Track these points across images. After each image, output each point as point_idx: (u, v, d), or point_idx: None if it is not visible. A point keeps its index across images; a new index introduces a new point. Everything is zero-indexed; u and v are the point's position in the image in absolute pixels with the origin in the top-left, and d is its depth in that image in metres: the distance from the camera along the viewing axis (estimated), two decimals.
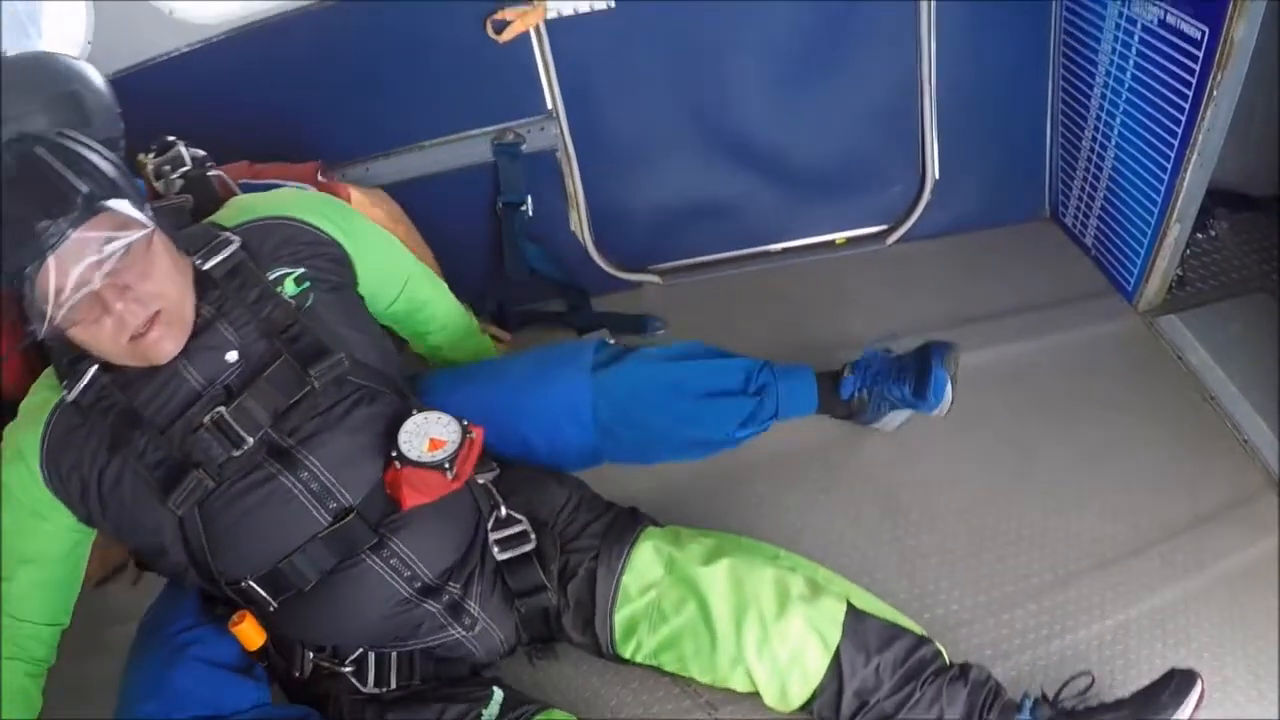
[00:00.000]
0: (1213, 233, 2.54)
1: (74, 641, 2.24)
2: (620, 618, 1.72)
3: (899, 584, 1.93)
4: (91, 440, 1.59)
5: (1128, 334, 2.42)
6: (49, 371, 1.68)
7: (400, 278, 1.97)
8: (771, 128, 2.74)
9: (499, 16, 2.45)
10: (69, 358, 1.60)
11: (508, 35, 2.47)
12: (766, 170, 2.80)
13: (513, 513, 1.77)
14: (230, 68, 2.46)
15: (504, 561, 1.75)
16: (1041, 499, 2.05)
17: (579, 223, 2.81)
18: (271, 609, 1.65)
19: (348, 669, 1.74)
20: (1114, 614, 1.83)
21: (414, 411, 1.68)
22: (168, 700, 1.63)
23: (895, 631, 1.65)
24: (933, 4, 2.50)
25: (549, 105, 2.64)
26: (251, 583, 1.63)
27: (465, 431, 1.65)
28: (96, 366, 1.58)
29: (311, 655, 1.74)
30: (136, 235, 1.46)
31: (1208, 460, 2.06)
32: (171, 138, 2.06)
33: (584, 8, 2.49)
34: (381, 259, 1.90)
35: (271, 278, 1.65)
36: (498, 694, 1.72)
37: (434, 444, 1.63)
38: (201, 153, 2.05)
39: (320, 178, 2.19)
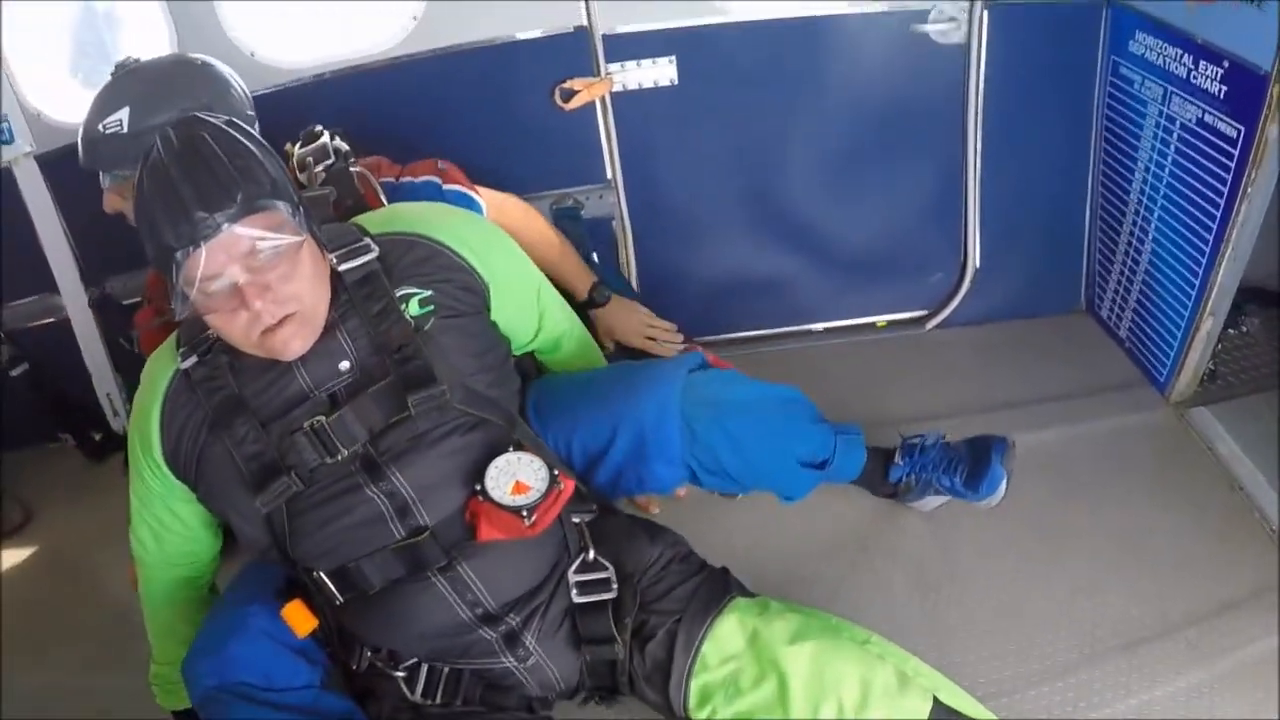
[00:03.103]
0: (1244, 328, 2.58)
1: (97, 656, 2.32)
2: (696, 685, 1.67)
3: (927, 656, 1.86)
4: (197, 413, 1.64)
5: (1159, 424, 2.45)
6: (173, 338, 1.72)
7: (538, 311, 1.93)
8: (820, 211, 2.84)
9: (567, 86, 2.58)
10: (194, 329, 1.65)
11: (574, 104, 2.59)
12: (813, 252, 2.88)
13: (600, 558, 1.75)
14: (304, 113, 2.55)
15: (579, 605, 1.74)
16: (1070, 580, 2.05)
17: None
18: (338, 602, 1.68)
19: (400, 674, 1.76)
20: (1139, 694, 1.82)
21: (510, 447, 1.66)
22: (223, 663, 1.65)
23: None
24: (979, 101, 2.59)
25: (609, 175, 2.75)
26: (322, 575, 1.66)
27: (554, 481, 1.61)
28: (215, 343, 1.63)
29: (369, 654, 1.76)
30: (288, 240, 1.48)
31: (1235, 548, 2.07)
32: (319, 127, 2.11)
33: (648, 83, 2.61)
34: (522, 293, 1.88)
35: (398, 294, 1.65)
36: None
37: (519, 487, 1.60)
38: (345, 146, 2.09)
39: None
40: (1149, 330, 2.55)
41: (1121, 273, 2.65)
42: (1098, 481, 2.29)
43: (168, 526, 1.78)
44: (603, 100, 2.64)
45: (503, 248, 1.85)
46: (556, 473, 1.62)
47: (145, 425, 1.68)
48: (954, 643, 1.97)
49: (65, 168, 2.59)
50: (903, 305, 2.96)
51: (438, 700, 1.76)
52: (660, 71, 2.61)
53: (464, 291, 1.72)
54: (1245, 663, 1.86)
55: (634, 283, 2.89)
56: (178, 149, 1.45)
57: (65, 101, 2.63)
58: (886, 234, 2.86)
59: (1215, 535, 2.11)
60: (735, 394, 1.88)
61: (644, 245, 2.86)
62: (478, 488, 1.60)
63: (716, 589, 1.75)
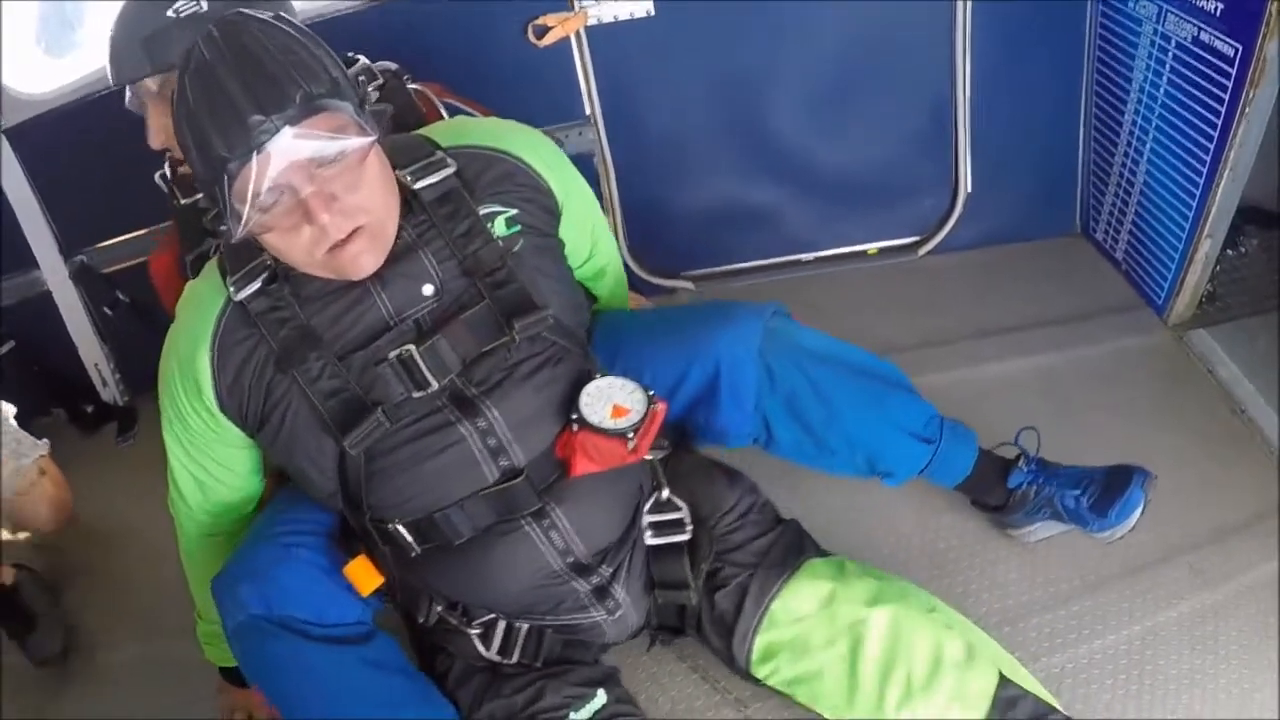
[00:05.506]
0: (1243, 249, 2.54)
1: (103, 631, 2.31)
2: (761, 641, 1.64)
3: (930, 586, 1.89)
4: (260, 350, 1.49)
5: (1157, 347, 2.44)
6: (210, 267, 1.56)
7: (592, 237, 1.81)
8: (807, 138, 2.78)
9: (540, 22, 2.51)
10: (242, 255, 1.48)
11: (548, 40, 2.53)
12: (801, 180, 2.83)
13: (675, 498, 1.68)
14: None
15: (652, 548, 1.67)
16: None
17: (613, 228, 2.84)
18: (413, 554, 1.58)
19: (474, 631, 1.66)
20: (1142, 620, 1.84)
21: (596, 374, 1.56)
22: (270, 589, 1.54)
23: (1043, 711, 1.53)
24: (968, 21, 2.53)
25: (587, 111, 2.69)
26: (400, 526, 1.55)
27: (650, 402, 1.52)
28: (272, 270, 1.48)
29: (439, 609, 1.65)
30: (355, 142, 1.32)
31: (1236, 472, 2.07)
32: (351, 54, 1.92)
33: (624, 14, 2.54)
34: (584, 216, 1.74)
35: (482, 213, 1.51)
36: (599, 699, 1.66)
37: (617, 411, 1.51)
38: (392, 66, 1.96)
39: None
40: (1146, 252, 2.53)
41: (1116, 194, 2.62)
42: (1096, 406, 2.28)
43: (214, 474, 1.64)
44: (577, 35, 2.56)
45: (571, 166, 1.71)
46: (652, 393, 1.54)
47: (191, 366, 1.51)
48: (956, 573, 1.98)
49: (35, 141, 2.56)
50: (894, 232, 2.92)
51: (515, 659, 1.67)
52: (636, 3, 2.52)
53: (544, 212, 1.61)
54: (1249, 587, 1.87)
55: (618, 219, 2.85)
56: (224, 47, 1.28)
57: (30, 73, 2.54)
58: (876, 160, 2.81)
59: (1216, 459, 2.11)
60: (823, 345, 1.78)
61: (627, 181, 2.81)
62: (574, 416, 1.50)
63: (793, 547, 1.72)
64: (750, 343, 1.70)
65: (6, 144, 2.50)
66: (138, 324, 2.67)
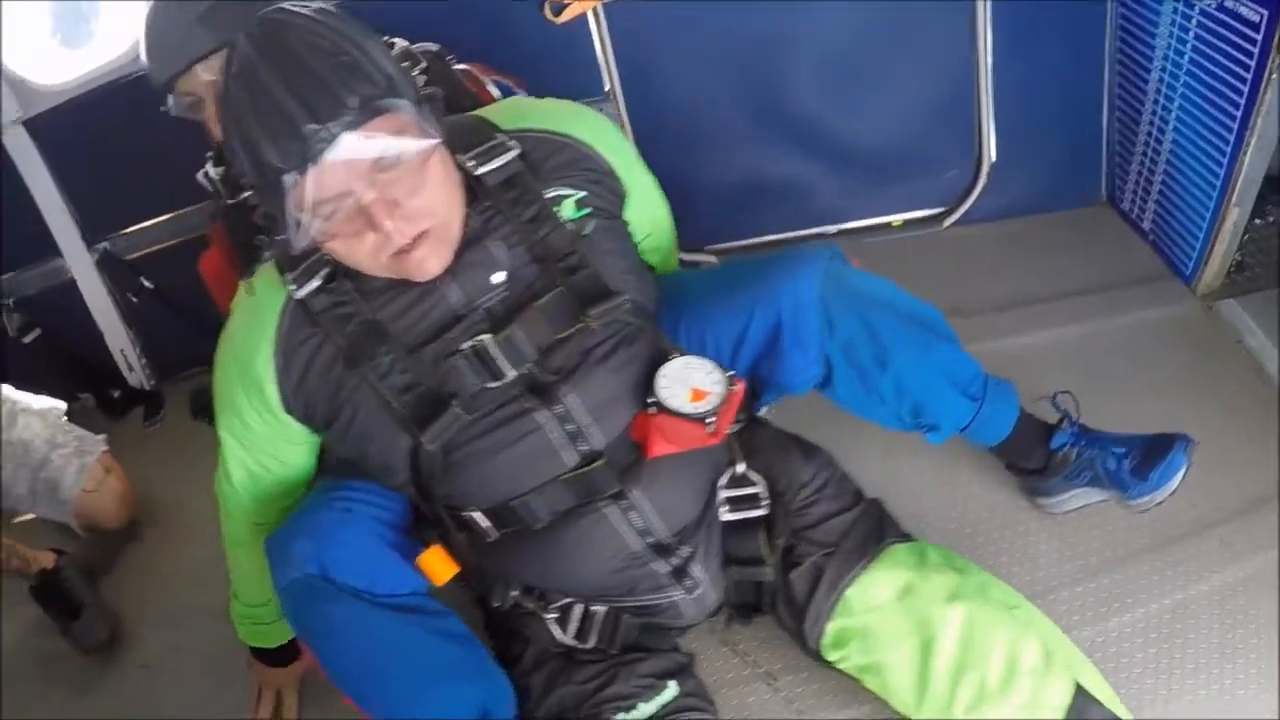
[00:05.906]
0: (1271, 219, 2.49)
1: (136, 615, 2.33)
2: (833, 627, 1.60)
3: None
4: (326, 349, 1.46)
5: (1186, 318, 2.42)
6: (271, 265, 1.51)
7: (652, 216, 1.74)
8: (829, 110, 2.76)
9: None
10: (301, 253, 1.42)
11: (566, 17, 2.52)
12: (824, 152, 2.81)
13: (750, 472, 1.65)
14: None
15: (727, 523, 1.64)
16: None
17: None
18: (489, 540, 1.57)
19: (551, 615, 1.64)
20: (1173, 593, 1.83)
21: (671, 354, 1.53)
22: (325, 551, 1.50)
23: None
24: None
25: (607, 86, 2.68)
26: (476, 514, 1.54)
27: (729, 383, 1.49)
28: (333, 265, 1.43)
29: (515, 593, 1.63)
30: (418, 145, 1.27)
31: (1267, 443, 2.05)
32: (387, 37, 1.86)
33: None
34: (647, 197, 1.69)
35: (549, 196, 1.47)
36: (669, 691, 1.64)
37: (697, 394, 1.48)
38: (433, 47, 1.91)
39: None
40: (1173, 222, 2.50)
41: (1142, 164, 2.59)
42: (1124, 377, 2.26)
43: (269, 468, 1.63)
44: (595, 10, 2.55)
45: (632, 149, 1.67)
46: (731, 374, 1.51)
47: (252, 368, 1.49)
48: (986, 544, 1.98)
49: (55, 131, 2.58)
50: (919, 204, 2.90)
51: (591, 644, 1.65)
52: None
53: (611, 194, 1.56)
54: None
55: None
56: (269, 50, 1.21)
57: (47, 65, 2.56)
58: (899, 131, 2.79)
59: (1246, 430, 2.09)
60: (879, 289, 1.72)
61: (649, 155, 2.64)
62: (650, 400, 1.48)
63: (872, 530, 1.67)
64: (811, 288, 1.64)
65: (26, 135, 2.52)
66: (162, 309, 2.71)
